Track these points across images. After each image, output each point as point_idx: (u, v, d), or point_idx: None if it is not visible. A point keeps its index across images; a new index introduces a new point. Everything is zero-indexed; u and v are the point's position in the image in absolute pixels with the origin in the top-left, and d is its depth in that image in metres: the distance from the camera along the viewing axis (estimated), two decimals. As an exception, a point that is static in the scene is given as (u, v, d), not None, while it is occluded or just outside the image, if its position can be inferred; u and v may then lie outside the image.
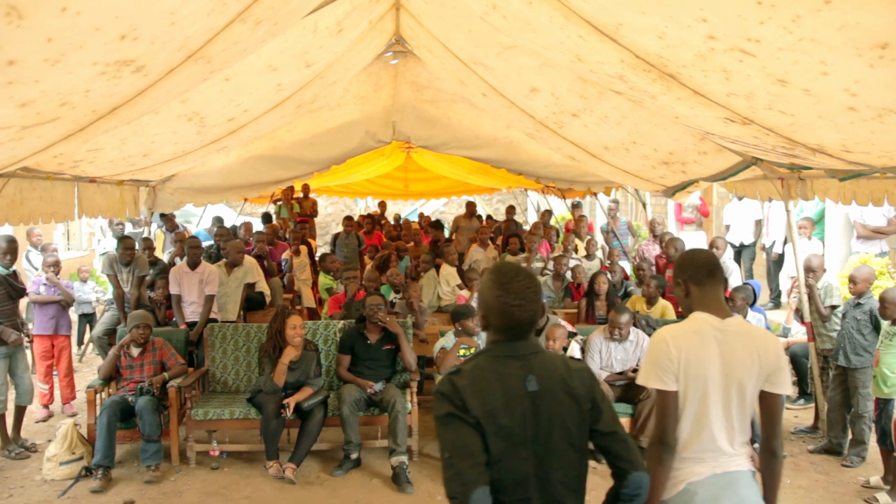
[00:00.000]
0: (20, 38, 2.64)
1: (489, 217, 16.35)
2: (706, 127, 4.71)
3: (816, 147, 4.11)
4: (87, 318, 9.00)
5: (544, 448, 2.05)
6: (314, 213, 13.28)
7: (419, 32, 6.47)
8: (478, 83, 6.69)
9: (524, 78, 5.98)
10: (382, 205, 16.22)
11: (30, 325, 7.68)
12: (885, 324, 5.27)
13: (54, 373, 7.03)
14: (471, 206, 14.03)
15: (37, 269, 8.29)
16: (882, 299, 5.20)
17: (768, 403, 2.54)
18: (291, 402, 5.46)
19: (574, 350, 5.88)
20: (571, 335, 6.04)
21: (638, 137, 6.09)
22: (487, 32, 5.28)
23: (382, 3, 5.82)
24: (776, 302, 9.79)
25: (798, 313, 6.55)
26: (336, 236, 11.53)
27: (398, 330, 5.88)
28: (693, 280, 2.61)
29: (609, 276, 7.71)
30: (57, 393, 7.11)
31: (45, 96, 3.20)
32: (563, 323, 6.16)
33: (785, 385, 2.55)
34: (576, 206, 12.80)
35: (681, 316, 7.08)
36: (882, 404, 5.19)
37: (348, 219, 11.71)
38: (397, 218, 16.70)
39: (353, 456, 5.55)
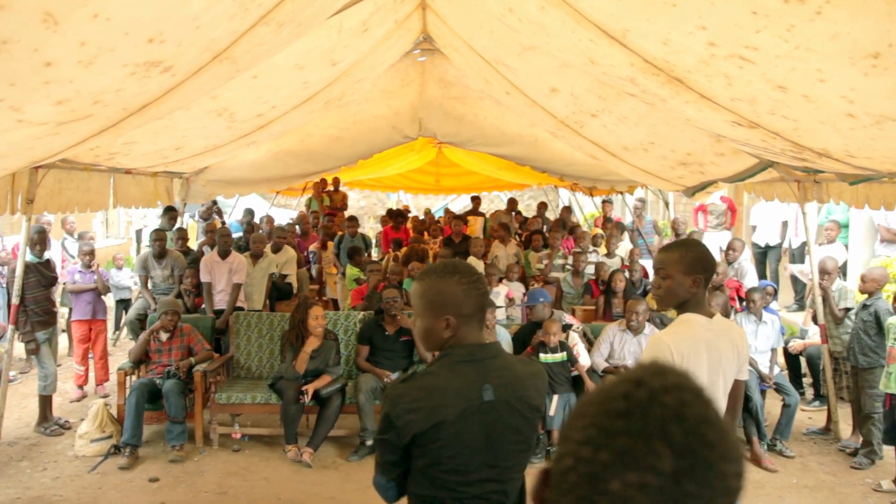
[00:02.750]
0: (56, 41, 2.85)
1: (518, 213, 16.44)
2: (716, 129, 4.80)
3: (822, 151, 4.18)
4: (124, 304, 9.33)
5: (493, 456, 2.02)
6: (344, 207, 13.47)
7: (445, 31, 6.61)
8: (501, 82, 6.81)
9: (544, 78, 6.09)
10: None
11: (64, 311, 8.05)
12: (892, 319, 5.31)
13: (90, 355, 7.35)
14: (512, 203, 14.16)
15: (73, 256, 8.63)
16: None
17: (735, 388, 2.74)
18: (310, 388, 5.67)
19: (574, 339, 6.03)
20: (567, 327, 6.19)
21: (656, 138, 6.17)
22: (507, 33, 5.40)
23: (408, 3, 5.95)
24: (800, 304, 9.76)
25: (815, 315, 6.58)
26: (340, 238, 9.87)
27: (409, 324, 6.06)
28: (706, 281, 2.65)
29: (626, 273, 7.79)
30: (91, 375, 7.42)
31: (78, 95, 3.42)
32: (566, 317, 6.34)
33: (747, 372, 2.84)
34: (606, 203, 12.65)
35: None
36: (895, 399, 5.22)
37: (352, 219, 10.18)
38: (427, 212, 16.87)
39: (369, 443, 5.73)
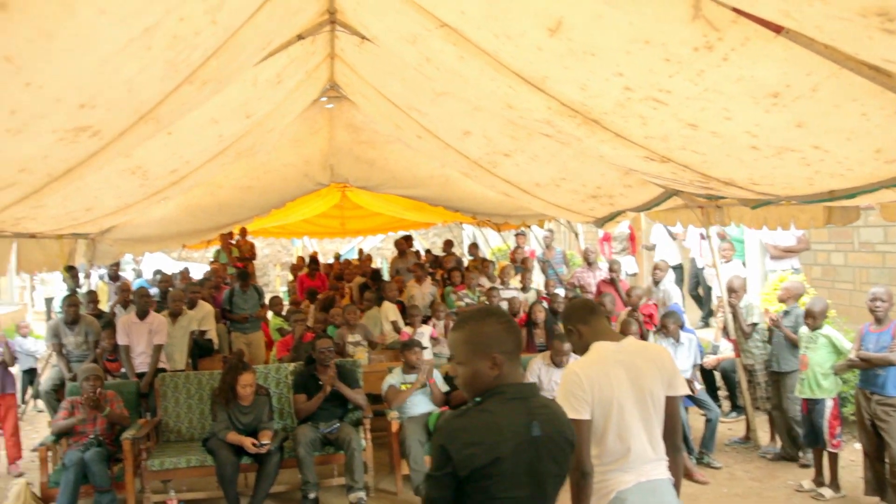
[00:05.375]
0: (-14, 112, 2.79)
1: (428, 251, 16.54)
2: (629, 164, 5.10)
3: (728, 181, 4.52)
4: (30, 375, 8.84)
5: (538, 490, 2.14)
6: (253, 256, 13.23)
7: (353, 79, 6.72)
8: (413, 126, 6.96)
9: (457, 121, 6.29)
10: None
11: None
12: (803, 330, 5.74)
13: (-1, 433, 6.93)
14: (403, 243, 14.06)
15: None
16: (808, 311, 5.68)
17: (669, 405, 2.89)
18: (267, 437, 5.55)
19: None
20: None
21: (567, 174, 6.46)
22: (421, 81, 5.56)
23: (318, 54, 6.04)
24: (706, 321, 10.29)
25: (725, 331, 6.98)
26: (232, 291, 8.98)
27: (341, 388, 6.04)
28: (580, 322, 2.92)
29: (545, 304, 8.03)
30: (2, 453, 6.98)
31: (4, 164, 3.33)
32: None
33: (681, 387, 2.94)
34: (520, 236, 12.75)
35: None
36: (812, 404, 5.64)
37: (243, 275, 9.27)
38: (337, 257, 16.78)
39: (311, 496, 5.65)
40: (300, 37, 5.19)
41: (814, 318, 5.64)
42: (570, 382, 2.78)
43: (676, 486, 2.88)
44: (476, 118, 6.04)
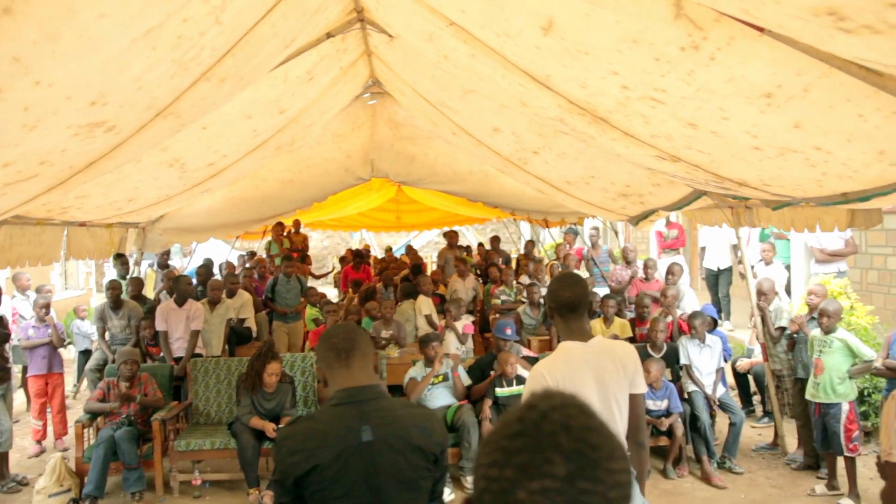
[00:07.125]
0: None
1: (480, 245, 16.61)
2: (645, 163, 5.06)
3: (740, 181, 4.44)
4: (86, 355, 9.27)
5: (377, 497, 2.11)
6: (305, 248, 13.54)
7: (391, 76, 6.83)
8: (447, 123, 7.04)
9: (486, 119, 6.33)
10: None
11: (16, 367, 7.98)
12: (815, 333, 5.58)
13: (48, 410, 7.31)
14: (454, 235, 14.11)
15: (24, 317, 8.53)
16: (822, 311, 5.52)
17: (632, 402, 2.90)
18: (286, 421, 5.73)
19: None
20: (533, 360, 6.34)
21: (595, 172, 6.42)
22: (448, 78, 5.63)
23: (351, 52, 6.15)
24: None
25: (757, 335, 6.83)
26: (275, 280, 9.28)
27: None
28: (558, 312, 2.93)
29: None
30: (50, 429, 7.38)
31: (24, 157, 3.55)
32: (523, 350, 6.50)
33: (641, 386, 2.95)
34: (567, 234, 12.61)
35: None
36: (825, 408, 5.49)
37: (288, 259, 9.71)
38: (388, 250, 16.98)
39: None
40: (329, 35, 5.31)
41: (828, 318, 5.48)
42: (534, 381, 2.83)
43: (640, 480, 2.89)
44: (504, 115, 6.07)
